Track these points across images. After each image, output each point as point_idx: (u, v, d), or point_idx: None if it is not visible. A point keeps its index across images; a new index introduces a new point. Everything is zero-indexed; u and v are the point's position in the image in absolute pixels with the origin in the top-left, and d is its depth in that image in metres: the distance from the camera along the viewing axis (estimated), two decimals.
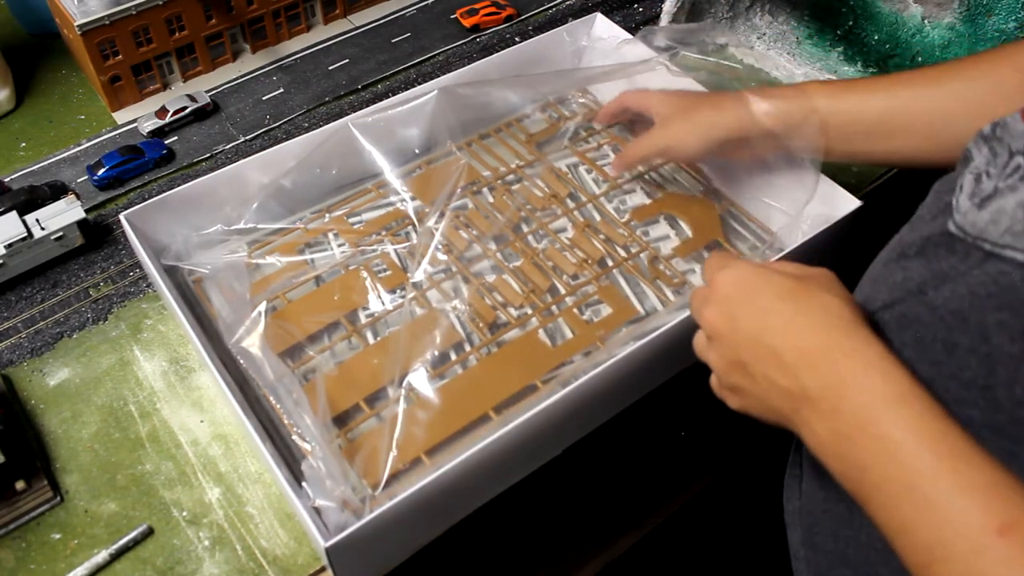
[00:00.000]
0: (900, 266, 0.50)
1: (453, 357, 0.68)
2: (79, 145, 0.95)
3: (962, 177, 0.48)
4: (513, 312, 0.71)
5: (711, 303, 0.50)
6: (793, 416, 0.45)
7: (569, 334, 0.69)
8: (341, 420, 0.65)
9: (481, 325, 0.70)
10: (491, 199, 0.80)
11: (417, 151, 0.83)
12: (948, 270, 0.45)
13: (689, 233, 0.77)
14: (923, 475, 0.38)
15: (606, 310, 0.71)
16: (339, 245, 0.77)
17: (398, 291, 0.72)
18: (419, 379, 0.65)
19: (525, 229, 0.77)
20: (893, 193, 0.89)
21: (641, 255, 0.75)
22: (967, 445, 0.38)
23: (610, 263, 0.74)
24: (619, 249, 0.75)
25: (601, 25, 0.92)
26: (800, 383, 0.44)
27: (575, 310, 0.70)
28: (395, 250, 0.75)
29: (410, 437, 0.61)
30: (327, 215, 0.79)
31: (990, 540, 0.35)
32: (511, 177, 0.82)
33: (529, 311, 0.71)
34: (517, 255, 0.75)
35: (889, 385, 0.41)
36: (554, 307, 0.71)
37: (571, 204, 0.80)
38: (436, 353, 0.66)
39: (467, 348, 0.69)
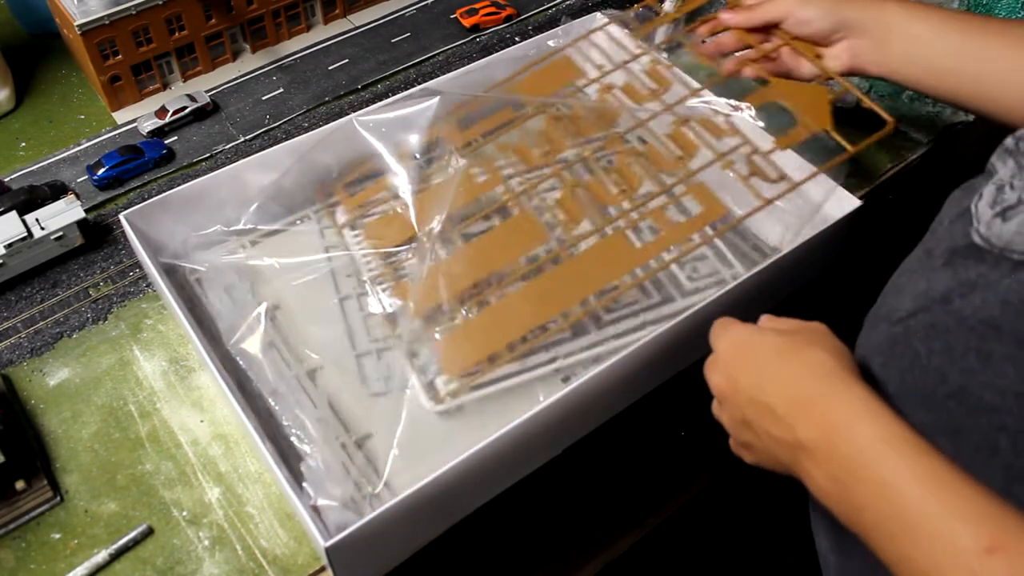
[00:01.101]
0: (924, 276, 0.50)
1: (543, 255, 0.70)
2: (79, 145, 0.95)
3: (982, 187, 0.49)
4: (609, 211, 0.71)
5: (715, 368, 0.53)
6: (794, 466, 0.47)
7: (650, 237, 0.69)
8: (432, 317, 0.67)
9: (571, 224, 0.71)
10: (593, 98, 0.79)
11: (418, 155, 0.83)
12: (976, 279, 0.46)
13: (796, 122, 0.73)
14: (915, 510, 0.40)
15: (696, 209, 0.71)
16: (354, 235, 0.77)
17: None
18: (510, 276, 0.69)
19: (622, 127, 0.76)
20: (893, 193, 0.89)
21: (740, 149, 0.72)
22: (954, 476, 0.40)
23: (708, 157, 0.72)
24: (716, 144, 0.73)
25: (601, 25, 0.92)
26: (794, 434, 0.46)
27: (663, 210, 0.70)
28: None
29: (500, 326, 0.65)
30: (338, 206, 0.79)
31: (980, 560, 0.37)
32: (616, 75, 0.81)
33: (621, 209, 0.71)
34: (612, 153, 0.75)
35: (877, 429, 0.43)
36: (638, 210, 0.71)
37: (669, 100, 0.79)
38: (529, 253, 0.69)
39: (556, 246, 0.70)
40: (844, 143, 0.65)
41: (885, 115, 0.68)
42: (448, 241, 0.73)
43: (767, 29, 0.76)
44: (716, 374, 0.53)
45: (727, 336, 0.54)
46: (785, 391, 0.48)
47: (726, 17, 0.78)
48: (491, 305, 0.67)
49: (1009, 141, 0.49)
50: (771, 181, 0.70)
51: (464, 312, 0.67)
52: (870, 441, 0.43)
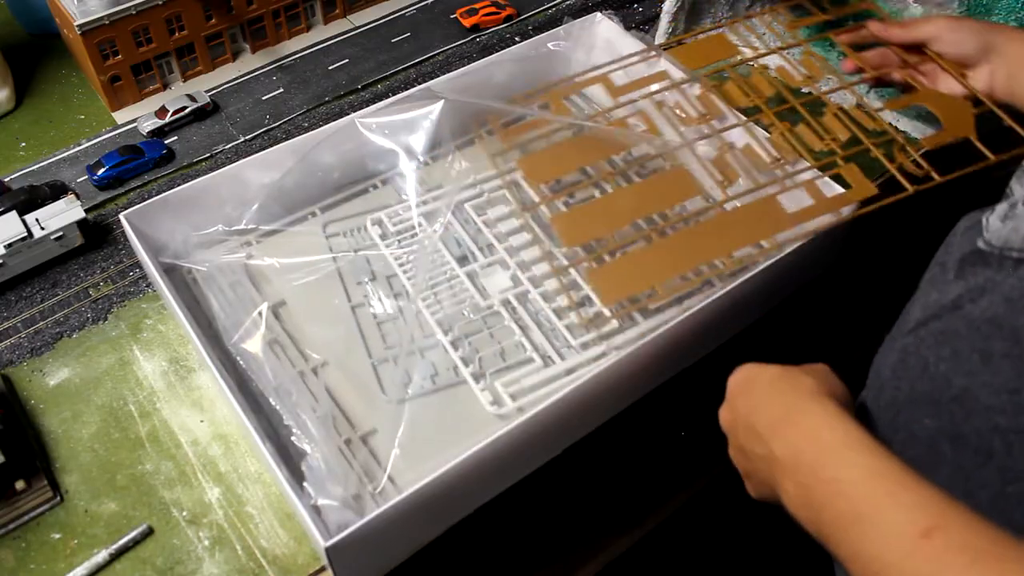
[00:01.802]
0: (936, 288, 0.51)
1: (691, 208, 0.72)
2: (79, 145, 0.95)
3: (1000, 205, 0.50)
4: (759, 177, 0.73)
5: (724, 405, 0.55)
6: (774, 484, 0.49)
7: (808, 201, 0.70)
8: (587, 248, 0.72)
9: (725, 184, 0.73)
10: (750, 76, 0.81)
11: (421, 157, 0.83)
12: (984, 283, 0.47)
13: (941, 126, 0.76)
14: (864, 503, 0.42)
15: (841, 188, 0.73)
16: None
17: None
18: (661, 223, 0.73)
19: (776, 106, 0.78)
20: (893, 192, 0.89)
21: (888, 141, 0.74)
22: (903, 473, 0.42)
23: (861, 141, 0.74)
24: (867, 134, 0.76)
25: (601, 24, 0.92)
26: (770, 448, 0.48)
27: (816, 182, 0.72)
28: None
29: (657, 263, 0.66)
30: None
31: (916, 543, 0.38)
32: (773, 57, 0.83)
33: (774, 175, 0.73)
34: (767, 127, 0.77)
35: (837, 434, 0.45)
36: (794, 178, 0.72)
37: (824, 88, 0.82)
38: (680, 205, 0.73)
39: (709, 202, 0.73)
40: (986, 151, 0.69)
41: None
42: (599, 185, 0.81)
43: (912, 48, 0.78)
44: (723, 411, 0.55)
45: (736, 373, 0.55)
46: (768, 412, 0.50)
47: (877, 28, 0.80)
48: (640, 247, 0.71)
49: None
50: (914, 172, 0.73)
51: (617, 251, 0.72)
52: (831, 445, 0.45)
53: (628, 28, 0.90)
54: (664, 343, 0.66)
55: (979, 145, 0.71)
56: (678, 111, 0.81)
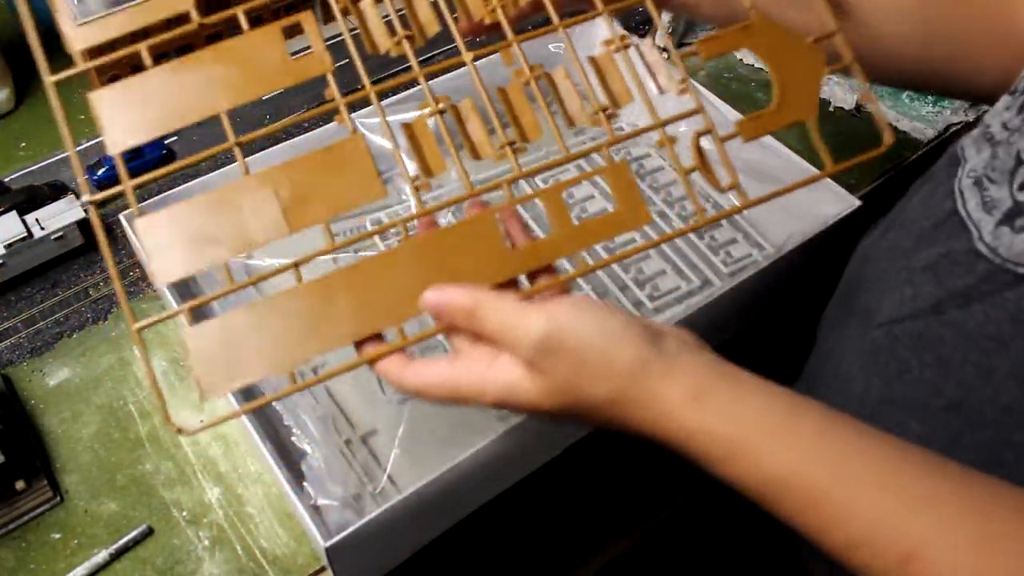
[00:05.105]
0: (904, 279, 0.49)
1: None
2: (79, 145, 0.95)
3: (956, 181, 0.47)
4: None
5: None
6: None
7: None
8: None
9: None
10: None
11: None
12: (967, 290, 0.44)
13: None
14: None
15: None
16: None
17: None
18: None
19: None
20: (893, 193, 0.89)
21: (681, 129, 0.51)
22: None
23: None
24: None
25: (601, 25, 0.92)
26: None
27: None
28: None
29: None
30: None
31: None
32: None
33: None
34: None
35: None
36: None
37: None
38: None
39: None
40: (827, 158, 0.47)
41: (888, 132, 0.47)
42: None
43: None
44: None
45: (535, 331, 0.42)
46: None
47: None
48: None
49: (995, 126, 0.46)
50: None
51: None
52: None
53: (627, 29, 0.90)
54: None
55: (820, 146, 0.47)
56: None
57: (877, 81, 0.57)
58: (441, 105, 0.52)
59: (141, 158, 0.90)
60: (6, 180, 0.90)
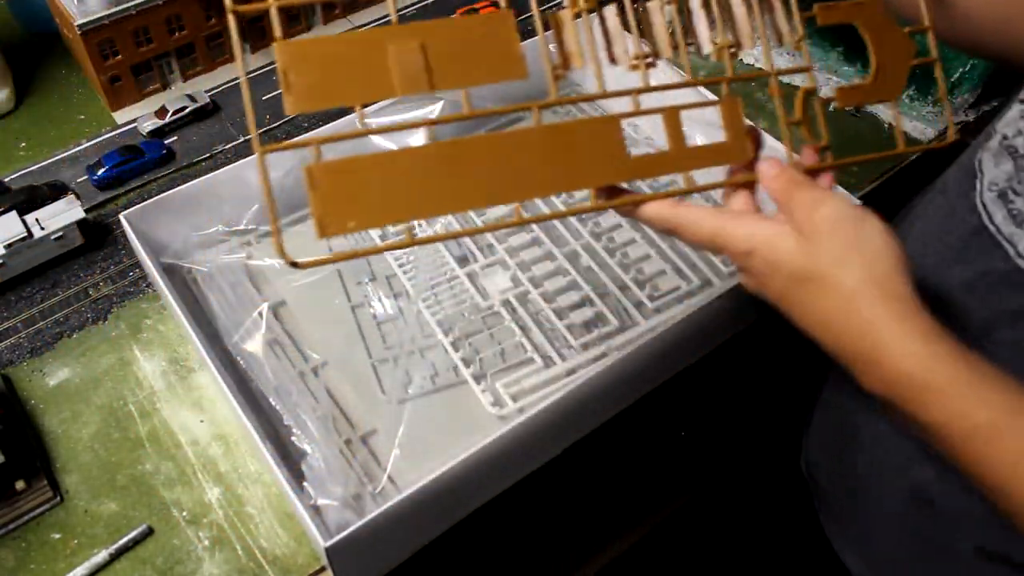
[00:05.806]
0: (940, 297, 0.48)
1: None
2: (79, 145, 0.95)
3: (977, 195, 0.47)
4: None
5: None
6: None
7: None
8: None
9: None
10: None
11: None
12: (1019, 308, 0.45)
13: None
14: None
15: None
16: None
17: None
18: None
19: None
20: (893, 193, 0.89)
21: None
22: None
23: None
24: None
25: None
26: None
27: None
28: None
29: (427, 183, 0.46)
30: None
31: None
32: None
33: None
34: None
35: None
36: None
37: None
38: None
39: None
40: (901, 140, 0.53)
41: (901, 141, 0.54)
42: None
43: None
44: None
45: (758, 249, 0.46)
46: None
47: None
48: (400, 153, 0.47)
49: (994, 142, 0.46)
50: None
51: None
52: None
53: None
54: (664, 343, 0.66)
55: (899, 132, 0.53)
56: None
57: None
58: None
59: (142, 158, 0.90)
60: (6, 180, 0.90)
